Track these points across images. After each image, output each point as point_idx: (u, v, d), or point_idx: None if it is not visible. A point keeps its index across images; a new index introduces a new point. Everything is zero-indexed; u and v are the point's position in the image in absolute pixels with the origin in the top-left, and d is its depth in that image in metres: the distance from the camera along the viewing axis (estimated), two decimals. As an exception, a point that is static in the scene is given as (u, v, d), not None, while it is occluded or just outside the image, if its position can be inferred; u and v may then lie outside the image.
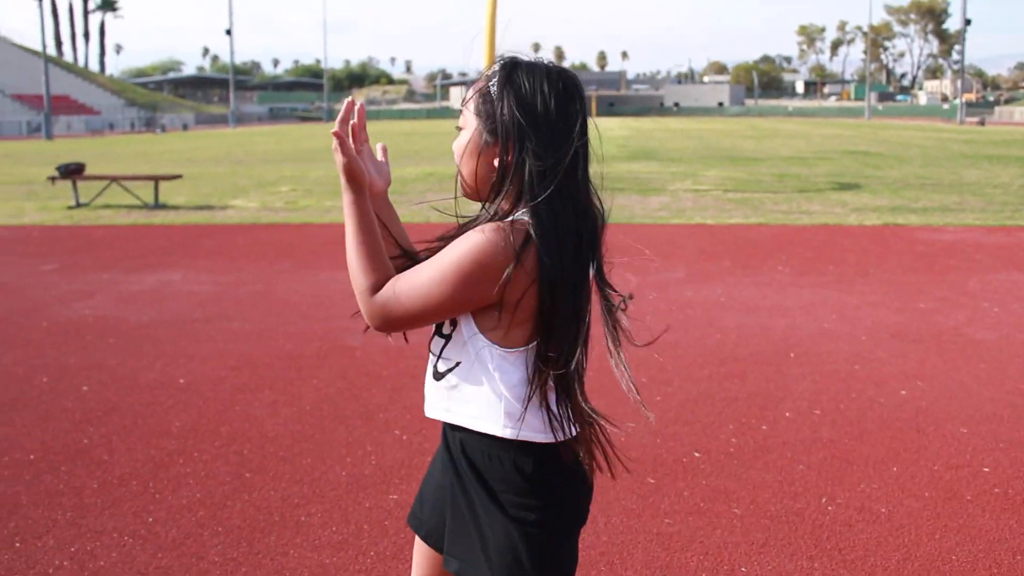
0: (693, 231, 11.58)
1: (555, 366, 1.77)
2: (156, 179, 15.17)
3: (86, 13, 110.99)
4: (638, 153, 28.70)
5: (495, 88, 1.78)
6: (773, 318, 6.92)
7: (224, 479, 4.03)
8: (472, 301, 1.73)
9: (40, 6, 52.44)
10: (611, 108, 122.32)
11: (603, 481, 2.02)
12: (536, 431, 1.83)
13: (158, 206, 14.64)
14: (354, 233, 1.78)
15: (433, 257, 1.76)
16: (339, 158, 1.77)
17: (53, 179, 15.46)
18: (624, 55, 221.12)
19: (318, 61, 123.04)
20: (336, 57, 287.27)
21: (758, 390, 5.22)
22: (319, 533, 3.52)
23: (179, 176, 17.17)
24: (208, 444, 4.43)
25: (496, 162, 1.77)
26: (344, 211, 1.80)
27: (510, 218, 1.75)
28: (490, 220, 1.77)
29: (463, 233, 1.79)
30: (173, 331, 6.67)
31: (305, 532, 3.52)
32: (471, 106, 1.82)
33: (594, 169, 1.83)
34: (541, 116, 1.75)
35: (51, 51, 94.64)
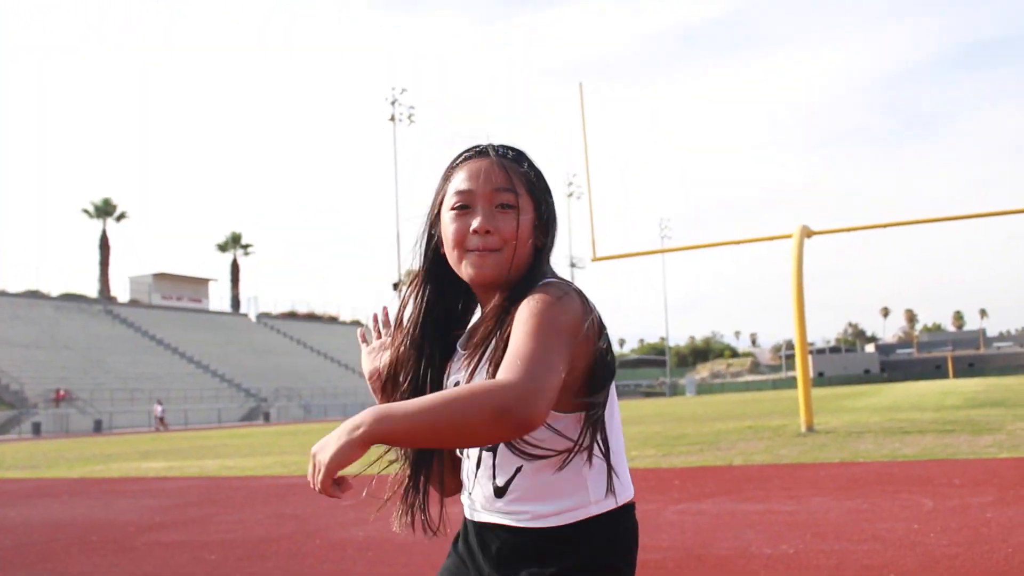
0: (1021, 463, 10.27)
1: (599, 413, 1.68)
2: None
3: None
4: (984, 403, 26.21)
5: (532, 170, 1.81)
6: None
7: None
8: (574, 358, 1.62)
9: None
10: (970, 368, 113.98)
11: None
12: (627, 489, 1.75)
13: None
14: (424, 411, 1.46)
15: (519, 329, 1.58)
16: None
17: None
18: (983, 313, 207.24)
19: (663, 339, 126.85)
20: (681, 334, 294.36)
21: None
22: None
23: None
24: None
25: (534, 245, 1.78)
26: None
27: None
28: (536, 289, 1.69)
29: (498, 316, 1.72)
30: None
31: None
32: (523, 186, 1.78)
33: None
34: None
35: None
